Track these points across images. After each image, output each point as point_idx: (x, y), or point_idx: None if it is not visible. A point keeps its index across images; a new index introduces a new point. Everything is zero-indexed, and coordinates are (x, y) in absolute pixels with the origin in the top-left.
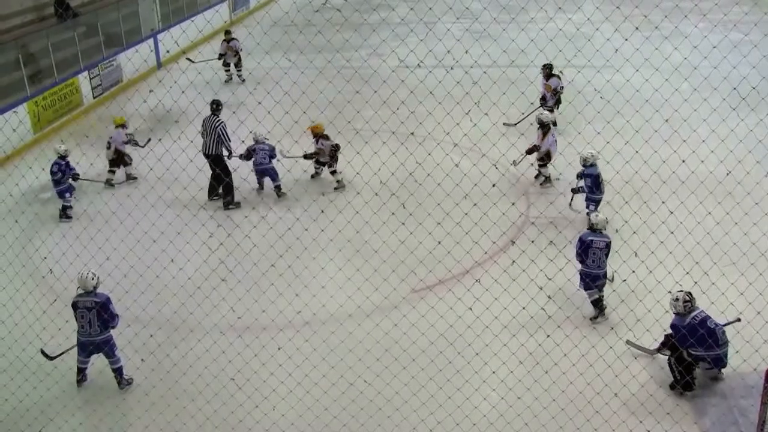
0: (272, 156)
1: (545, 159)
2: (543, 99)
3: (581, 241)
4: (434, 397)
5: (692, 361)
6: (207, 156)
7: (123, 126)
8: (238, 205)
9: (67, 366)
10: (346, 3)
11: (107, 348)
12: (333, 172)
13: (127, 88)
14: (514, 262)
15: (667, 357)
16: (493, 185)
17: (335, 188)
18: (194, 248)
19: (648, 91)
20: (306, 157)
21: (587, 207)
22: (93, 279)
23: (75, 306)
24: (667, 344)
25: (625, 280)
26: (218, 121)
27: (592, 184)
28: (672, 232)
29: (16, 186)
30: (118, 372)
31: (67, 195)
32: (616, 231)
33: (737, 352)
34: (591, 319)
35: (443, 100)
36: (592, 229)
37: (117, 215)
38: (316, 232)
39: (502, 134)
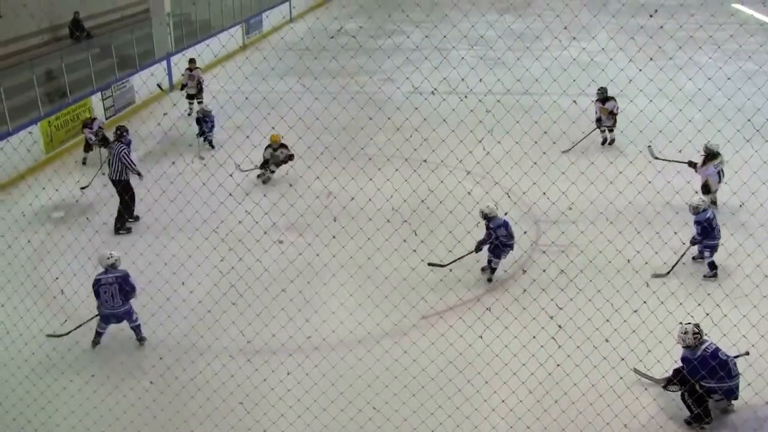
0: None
1: (704, 189)
2: (599, 120)
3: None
4: (443, 425)
5: (704, 393)
6: (114, 182)
7: (88, 125)
8: (128, 230)
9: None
10: (361, 29)
11: (127, 316)
12: (272, 171)
13: (140, 109)
14: (525, 290)
15: (676, 392)
16: (506, 214)
17: (259, 176)
18: (205, 271)
19: (662, 121)
20: (261, 167)
21: (701, 254)
22: (110, 258)
23: (97, 282)
24: (675, 379)
25: (636, 311)
26: (121, 147)
27: (702, 231)
28: (684, 264)
29: (30, 206)
30: (136, 330)
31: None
32: (628, 261)
33: (749, 384)
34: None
35: (456, 128)
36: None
37: (129, 236)
38: (327, 257)
39: (515, 163)
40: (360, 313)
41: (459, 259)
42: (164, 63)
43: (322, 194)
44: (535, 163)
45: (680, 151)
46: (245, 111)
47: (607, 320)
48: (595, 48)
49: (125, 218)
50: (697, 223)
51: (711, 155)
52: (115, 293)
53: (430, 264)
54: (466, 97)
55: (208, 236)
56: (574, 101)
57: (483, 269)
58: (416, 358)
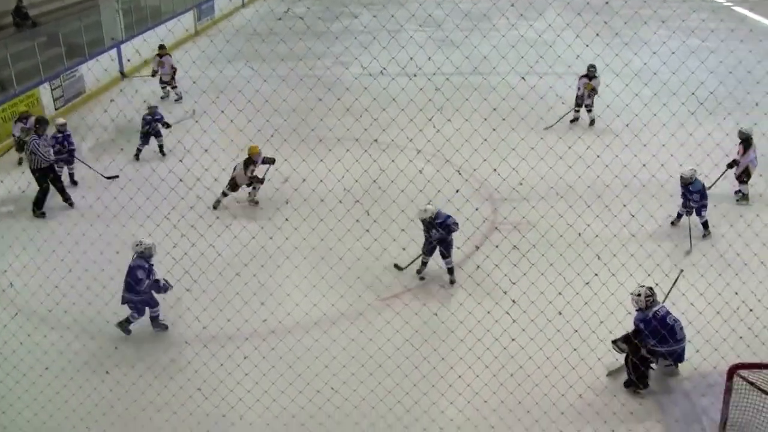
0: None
1: (744, 176)
2: (580, 98)
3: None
4: (401, 402)
5: (647, 358)
6: (32, 171)
7: (22, 119)
8: (42, 215)
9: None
10: (308, 11)
11: (141, 306)
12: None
13: (90, 99)
14: (478, 267)
15: (621, 353)
16: (457, 191)
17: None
18: (158, 258)
19: (609, 96)
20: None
21: (701, 213)
22: (138, 246)
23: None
24: (628, 340)
25: (588, 283)
26: (32, 138)
27: (701, 196)
28: (633, 235)
29: None
30: (151, 319)
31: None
32: (579, 235)
33: (697, 351)
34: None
35: (406, 107)
36: None
37: (79, 226)
38: (280, 240)
39: (465, 140)
40: (315, 295)
41: (415, 260)
42: (114, 51)
43: (274, 177)
44: (486, 140)
45: (627, 125)
46: (194, 96)
47: (560, 293)
48: (543, 26)
49: (42, 202)
50: (696, 192)
51: (747, 141)
52: (125, 280)
53: (395, 266)
54: (415, 75)
55: (159, 223)
56: (523, 78)
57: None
58: (372, 337)
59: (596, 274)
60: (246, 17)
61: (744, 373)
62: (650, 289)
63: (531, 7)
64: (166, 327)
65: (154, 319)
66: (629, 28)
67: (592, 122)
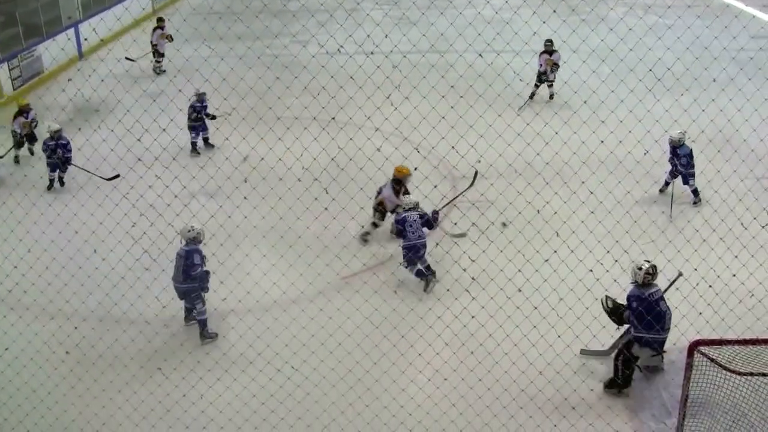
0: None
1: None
2: (543, 74)
3: (396, 221)
4: (362, 380)
5: (631, 357)
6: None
7: (22, 113)
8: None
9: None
10: None
11: (188, 298)
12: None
13: (48, 79)
14: (437, 244)
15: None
16: (415, 169)
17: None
18: (117, 238)
19: (566, 73)
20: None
21: (688, 182)
22: (190, 231)
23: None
24: (616, 309)
25: (547, 260)
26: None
27: (687, 161)
28: (592, 212)
29: None
30: (200, 323)
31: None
32: (537, 212)
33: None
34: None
35: (363, 85)
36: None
37: (37, 206)
38: (239, 219)
39: (423, 118)
40: (275, 273)
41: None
42: (71, 30)
43: (232, 156)
44: (443, 118)
45: (585, 102)
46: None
47: (519, 270)
48: (500, 3)
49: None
50: (684, 155)
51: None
52: (180, 266)
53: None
54: (372, 53)
55: (118, 202)
56: (480, 55)
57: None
58: (332, 316)
59: (555, 251)
60: None
61: (704, 349)
62: (654, 267)
63: None
64: (215, 335)
65: (204, 326)
66: (586, 4)
67: (551, 97)
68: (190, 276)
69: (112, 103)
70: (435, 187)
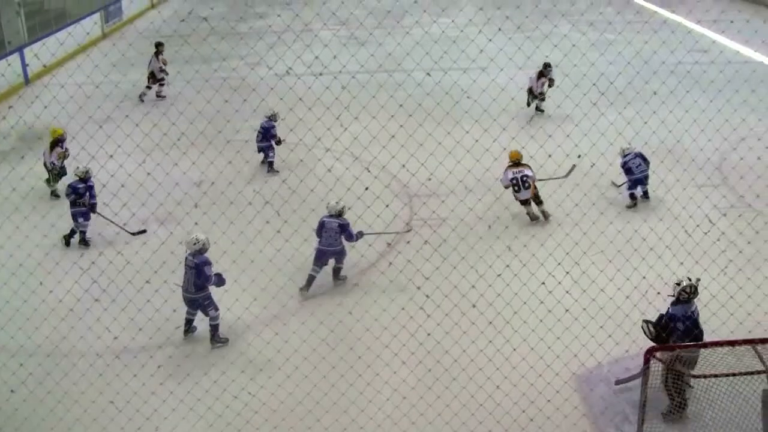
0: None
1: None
2: (541, 93)
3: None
4: (320, 403)
5: (679, 375)
6: None
7: (58, 143)
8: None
9: None
10: (212, 12)
11: (202, 308)
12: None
13: None
14: (390, 264)
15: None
16: (366, 188)
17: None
18: (64, 269)
19: (513, 90)
20: None
21: (644, 185)
22: (195, 243)
23: (184, 262)
24: (659, 331)
25: (500, 275)
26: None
27: (626, 170)
28: (559, 225)
29: None
30: (212, 328)
31: (81, 219)
32: (489, 227)
33: (610, 336)
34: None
35: (313, 106)
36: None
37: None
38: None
39: (373, 137)
40: (228, 298)
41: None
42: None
43: (182, 180)
44: (393, 137)
45: (532, 118)
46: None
47: (473, 286)
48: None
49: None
50: (638, 155)
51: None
52: (191, 278)
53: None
54: (321, 74)
55: (65, 232)
56: (428, 74)
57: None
58: (288, 339)
59: (508, 266)
60: (149, 20)
61: (659, 354)
62: (694, 287)
63: (434, 4)
64: (226, 340)
65: (215, 331)
66: (531, 21)
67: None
68: (202, 287)
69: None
70: (387, 206)
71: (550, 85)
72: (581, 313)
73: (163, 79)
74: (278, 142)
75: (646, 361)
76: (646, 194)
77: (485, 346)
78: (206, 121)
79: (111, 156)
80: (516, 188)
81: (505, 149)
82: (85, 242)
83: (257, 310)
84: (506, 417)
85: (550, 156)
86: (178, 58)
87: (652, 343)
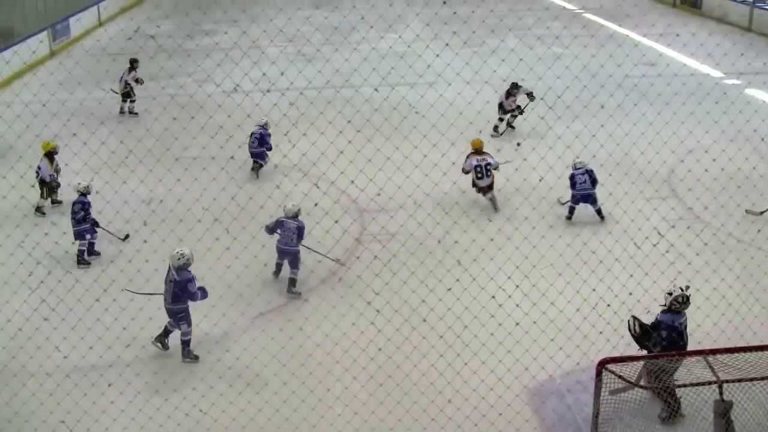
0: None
1: None
2: (518, 107)
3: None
4: (271, 420)
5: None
6: None
7: (53, 155)
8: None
9: None
10: (158, 29)
11: (177, 322)
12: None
13: None
14: (341, 279)
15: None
16: (316, 204)
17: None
18: (12, 289)
19: (462, 104)
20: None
21: (593, 204)
22: (180, 259)
23: (167, 273)
24: (645, 333)
25: (450, 289)
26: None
27: (585, 180)
28: (492, 239)
29: None
30: (183, 344)
31: (88, 236)
32: (438, 242)
33: (560, 348)
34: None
35: (279, 123)
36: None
37: None
38: (140, 263)
39: (322, 153)
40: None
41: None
42: None
43: (130, 199)
44: (342, 152)
45: (480, 132)
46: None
47: (423, 301)
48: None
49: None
50: (588, 171)
51: None
52: (170, 290)
53: None
54: (269, 91)
55: (12, 251)
56: (376, 89)
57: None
58: (239, 356)
59: (458, 280)
60: (96, 38)
61: (611, 366)
62: (684, 297)
63: (381, 20)
64: (197, 357)
65: (187, 345)
66: (478, 36)
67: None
68: (182, 300)
69: (20, 148)
70: (336, 222)
71: (530, 100)
72: (532, 326)
73: (128, 94)
74: (269, 149)
75: (598, 374)
76: (599, 213)
77: (436, 360)
78: (154, 139)
79: (59, 174)
80: (479, 175)
81: (454, 164)
82: (86, 261)
83: (207, 327)
84: (458, 431)
85: (497, 170)
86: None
87: (605, 355)
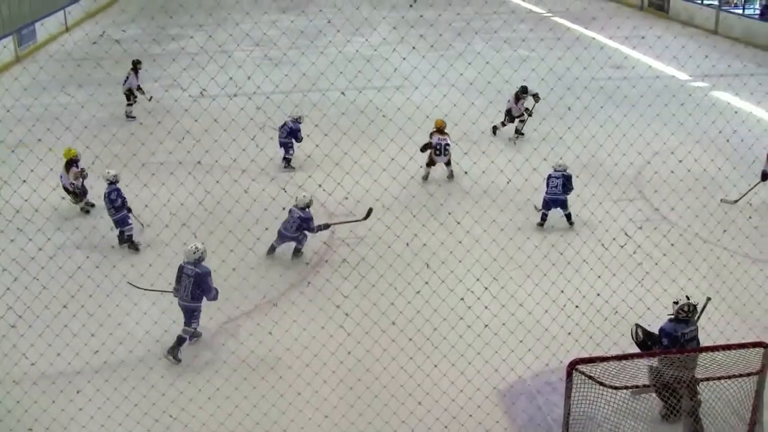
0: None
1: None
2: (522, 114)
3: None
4: (242, 424)
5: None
6: None
7: (73, 163)
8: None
9: None
10: (124, 34)
11: (189, 315)
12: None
13: None
14: (309, 283)
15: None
16: (283, 208)
17: None
18: None
19: (428, 107)
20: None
21: (563, 208)
22: (195, 252)
23: (180, 270)
24: (647, 338)
25: (419, 292)
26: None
27: (557, 184)
28: (460, 242)
29: None
30: (178, 341)
31: (130, 222)
32: (407, 245)
33: (529, 350)
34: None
35: (228, 127)
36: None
37: None
38: (107, 268)
39: (308, 156)
40: (146, 322)
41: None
42: None
43: (98, 204)
44: (309, 156)
45: (465, 134)
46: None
47: (392, 303)
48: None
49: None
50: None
51: None
52: (188, 287)
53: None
54: (235, 95)
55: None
56: (342, 93)
57: None
58: (208, 361)
59: (427, 282)
60: (61, 42)
61: (582, 367)
62: (690, 306)
63: (348, 23)
64: (179, 360)
65: (180, 344)
66: (444, 40)
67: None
68: (199, 297)
69: None
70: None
71: (536, 101)
72: (500, 328)
73: (136, 98)
74: (299, 140)
75: (569, 375)
76: (568, 218)
77: (406, 362)
78: (121, 144)
79: (24, 181)
80: (437, 152)
81: (421, 167)
82: (136, 246)
83: (175, 332)
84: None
85: (466, 173)
86: (90, 81)
87: (573, 356)
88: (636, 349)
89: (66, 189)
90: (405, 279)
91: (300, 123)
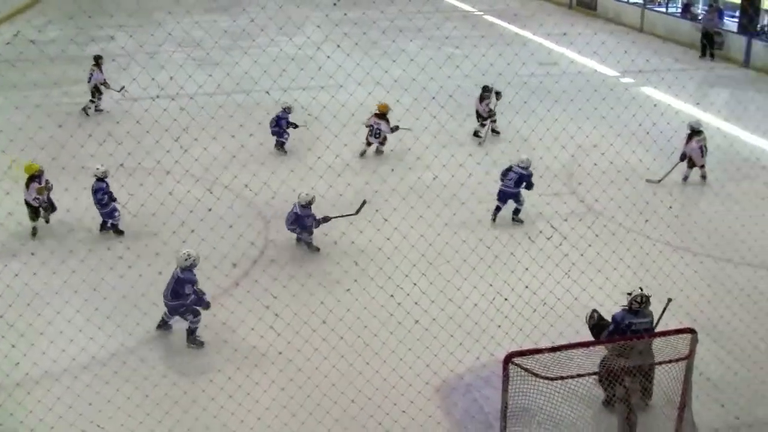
0: None
1: (689, 163)
2: (478, 113)
3: None
4: (191, 430)
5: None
6: None
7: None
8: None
9: None
10: (40, 34)
11: (179, 314)
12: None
13: None
14: (256, 281)
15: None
16: (210, 210)
17: None
18: None
19: (371, 105)
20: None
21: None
22: (187, 259)
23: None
24: (599, 323)
25: (348, 290)
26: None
27: (512, 177)
28: (388, 239)
29: None
30: (189, 330)
31: (116, 214)
32: (335, 243)
33: (460, 344)
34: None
35: (170, 128)
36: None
37: None
38: (46, 275)
39: (233, 156)
40: (90, 329)
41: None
42: None
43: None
44: (252, 155)
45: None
46: None
47: (322, 302)
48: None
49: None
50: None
51: (694, 132)
52: (169, 286)
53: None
54: (158, 96)
55: None
56: (267, 92)
57: None
58: (147, 375)
59: (356, 280)
60: None
61: (518, 360)
62: (644, 297)
63: (290, 22)
64: (202, 344)
65: (192, 333)
66: (387, 37)
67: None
68: (180, 296)
69: None
70: (249, 225)
71: (498, 98)
72: (431, 323)
73: (101, 94)
74: (294, 126)
75: (505, 367)
76: (515, 213)
77: (337, 361)
78: (59, 147)
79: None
80: (370, 134)
81: (348, 165)
82: (120, 230)
83: (114, 347)
84: (362, 431)
85: (410, 169)
86: (25, 82)
87: (505, 349)
88: (573, 338)
89: (27, 204)
90: (334, 277)
91: (289, 113)
